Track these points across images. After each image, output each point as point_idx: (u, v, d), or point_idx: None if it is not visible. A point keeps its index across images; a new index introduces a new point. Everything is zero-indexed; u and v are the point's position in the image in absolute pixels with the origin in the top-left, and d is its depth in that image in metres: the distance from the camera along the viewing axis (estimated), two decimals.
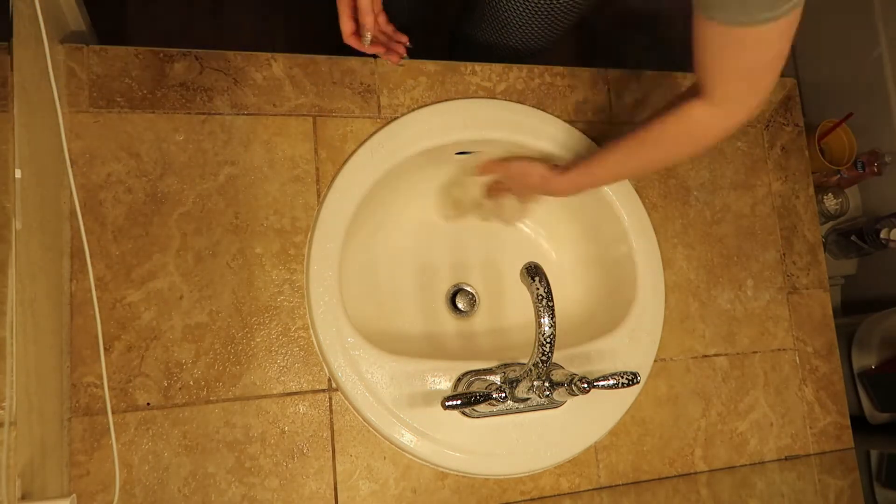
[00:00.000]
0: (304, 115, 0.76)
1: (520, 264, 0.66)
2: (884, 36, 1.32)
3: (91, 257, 0.65)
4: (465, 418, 0.74)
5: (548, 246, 0.94)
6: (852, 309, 1.40)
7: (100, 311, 0.65)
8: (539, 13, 0.87)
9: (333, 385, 0.72)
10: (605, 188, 0.85)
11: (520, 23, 0.89)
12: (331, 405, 0.72)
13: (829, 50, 1.48)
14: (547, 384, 0.68)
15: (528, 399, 0.72)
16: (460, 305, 0.88)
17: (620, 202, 0.86)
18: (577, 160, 0.78)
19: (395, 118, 0.79)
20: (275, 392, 0.71)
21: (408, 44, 0.78)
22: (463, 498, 0.74)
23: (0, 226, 0.50)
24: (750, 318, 0.90)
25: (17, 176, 0.52)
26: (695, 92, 0.65)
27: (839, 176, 1.29)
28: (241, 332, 0.71)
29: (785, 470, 0.87)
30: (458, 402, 0.66)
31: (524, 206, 0.88)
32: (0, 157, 0.51)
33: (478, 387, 0.73)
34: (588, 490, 0.79)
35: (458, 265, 0.90)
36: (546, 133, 0.84)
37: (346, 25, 0.72)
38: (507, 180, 0.85)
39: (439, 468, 0.74)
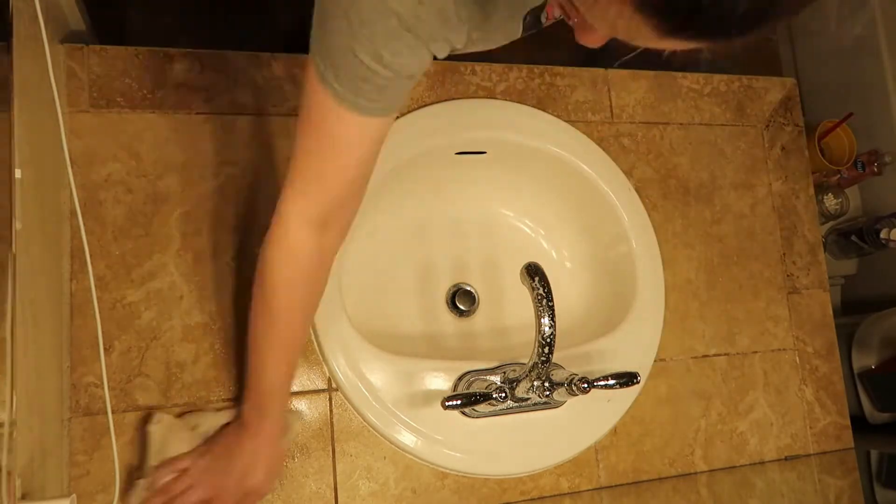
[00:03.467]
0: None
1: (520, 264, 0.66)
2: (884, 36, 1.32)
3: (91, 257, 0.65)
4: (465, 418, 0.74)
5: (548, 246, 0.94)
6: (852, 309, 1.40)
7: (100, 311, 0.65)
8: None
9: (333, 385, 0.72)
10: (602, 185, 0.85)
11: None
12: (331, 405, 0.72)
13: (829, 50, 1.48)
14: (547, 384, 0.68)
15: (528, 399, 0.72)
16: (460, 305, 0.88)
17: (620, 202, 0.86)
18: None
19: (395, 118, 0.79)
20: None
21: None
22: (463, 498, 0.74)
23: (0, 226, 0.50)
24: (750, 318, 0.90)
25: (17, 176, 0.52)
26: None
27: (839, 176, 1.29)
28: (242, 332, 0.71)
29: (785, 470, 0.87)
30: (458, 402, 0.65)
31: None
32: (0, 157, 0.51)
33: (478, 387, 0.73)
34: (588, 490, 0.79)
35: (458, 265, 0.90)
36: (546, 133, 0.84)
37: None
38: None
39: (439, 468, 0.74)
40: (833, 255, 1.37)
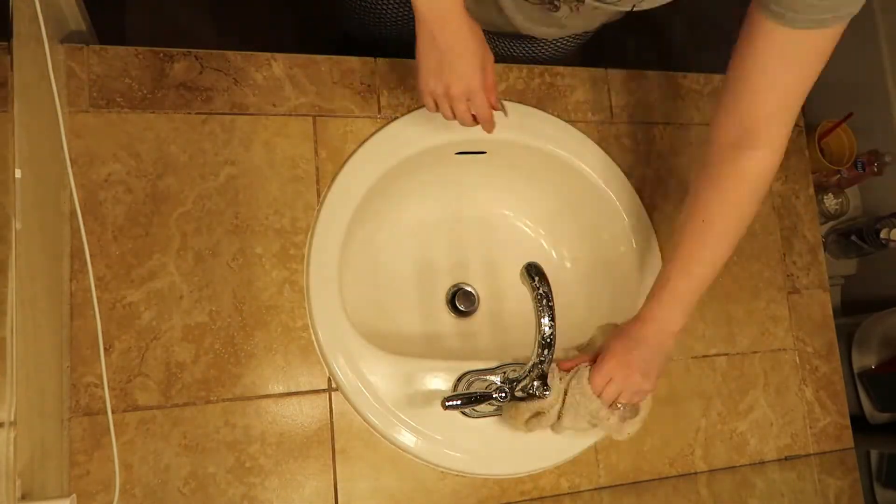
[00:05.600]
0: (304, 115, 0.76)
1: (520, 264, 0.66)
2: (884, 36, 1.32)
3: (91, 257, 0.65)
4: (465, 418, 0.74)
5: (548, 246, 0.94)
6: (852, 309, 1.40)
7: (100, 311, 0.65)
8: None
9: (333, 385, 0.72)
10: (602, 185, 0.85)
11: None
12: (331, 405, 0.72)
13: None
14: (547, 384, 0.68)
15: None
16: (460, 305, 0.88)
17: (620, 202, 0.86)
18: (649, 298, 0.69)
19: (395, 118, 0.79)
20: (275, 392, 0.70)
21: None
22: (463, 498, 0.74)
23: (0, 226, 0.50)
24: (750, 318, 0.90)
25: (17, 176, 0.52)
26: (737, 144, 0.60)
27: (839, 176, 1.29)
28: (242, 332, 0.71)
29: (785, 470, 0.87)
30: (458, 402, 0.65)
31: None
32: (0, 157, 0.51)
33: (478, 387, 0.73)
34: (588, 490, 0.79)
35: (458, 265, 0.90)
36: (546, 133, 0.84)
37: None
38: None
39: (439, 468, 0.74)
40: (833, 255, 1.37)
